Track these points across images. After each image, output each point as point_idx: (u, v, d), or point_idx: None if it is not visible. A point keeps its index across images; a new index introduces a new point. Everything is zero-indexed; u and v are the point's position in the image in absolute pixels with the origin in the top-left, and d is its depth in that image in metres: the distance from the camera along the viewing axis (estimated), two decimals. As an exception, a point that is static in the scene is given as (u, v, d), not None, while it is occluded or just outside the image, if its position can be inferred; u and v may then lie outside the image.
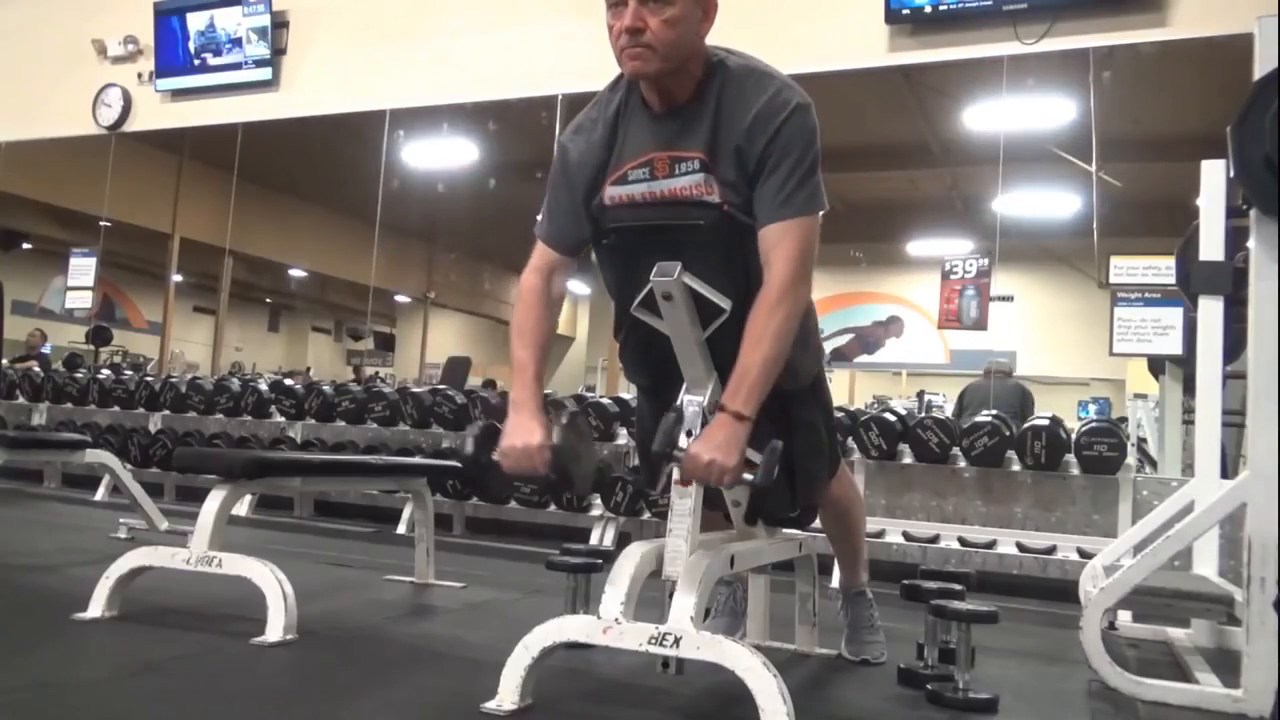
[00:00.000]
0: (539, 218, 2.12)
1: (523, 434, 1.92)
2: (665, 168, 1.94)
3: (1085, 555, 3.94)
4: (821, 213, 1.94)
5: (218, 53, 6.52)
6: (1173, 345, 4.42)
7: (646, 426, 2.21)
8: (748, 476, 1.80)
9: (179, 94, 6.77)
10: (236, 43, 6.44)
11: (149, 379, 6.81)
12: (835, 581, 2.94)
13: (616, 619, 1.77)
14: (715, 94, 1.94)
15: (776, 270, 1.87)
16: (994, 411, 4.65)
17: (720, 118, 1.92)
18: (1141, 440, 6.05)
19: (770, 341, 1.84)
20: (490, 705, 1.79)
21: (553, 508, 5.04)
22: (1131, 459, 4.28)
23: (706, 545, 1.91)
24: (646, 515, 4.77)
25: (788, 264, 1.87)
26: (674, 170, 1.94)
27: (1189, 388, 3.94)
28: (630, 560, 1.86)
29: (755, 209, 1.91)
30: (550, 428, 1.92)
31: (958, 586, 2.47)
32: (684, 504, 1.87)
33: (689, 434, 1.86)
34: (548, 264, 2.10)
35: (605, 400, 5.25)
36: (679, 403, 1.91)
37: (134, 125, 6.93)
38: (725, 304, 1.86)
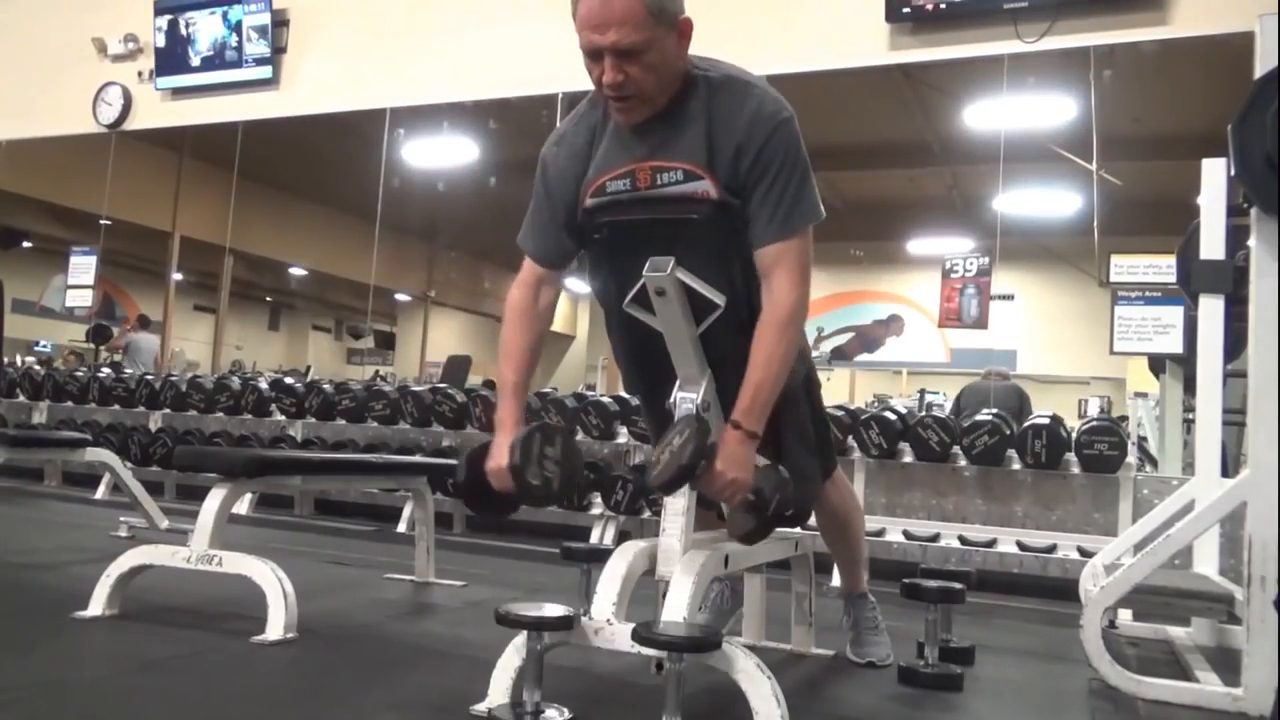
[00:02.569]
0: (522, 231, 2.11)
1: (496, 457, 1.93)
2: (647, 178, 1.92)
3: (1085, 554, 3.94)
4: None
5: (218, 51, 6.52)
6: (1173, 344, 4.42)
7: (652, 435, 2.21)
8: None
9: (179, 92, 6.77)
10: (236, 42, 6.44)
11: (149, 377, 6.81)
12: (835, 581, 2.95)
13: (609, 619, 1.77)
14: (704, 104, 1.91)
15: (780, 290, 1.88)
16: (994, 410, 4.64)
17: (714, 126, 1.90)
18: (1142, 439, 6.05)
19: (780, 361, 1.88)
20: (479, 708, 1.79)
21: (553, 506, 5.03)
22: (1132, 458, 4.28)
23: (700, 544, 1.91)
24: (646, 514, 4.77)
25: (791, 284, 1.89)
26: (655, 181, 1.92)
27: (1189, 386, 3.94)
28: (622, 560, 1.86)
29: (751, 228, 1.91)
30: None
31: (958, 585, 2.48)
32: (677, 503, 1.87)
33: (682, 433, 1.86)
34: (534, 278, 2.10)
35: (605, 399, 5.25)
36: (672, 399, 1.91)
37: (134, 123, 6.93)
38: (719, 299, 1.86)
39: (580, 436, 5.14)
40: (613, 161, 1.96)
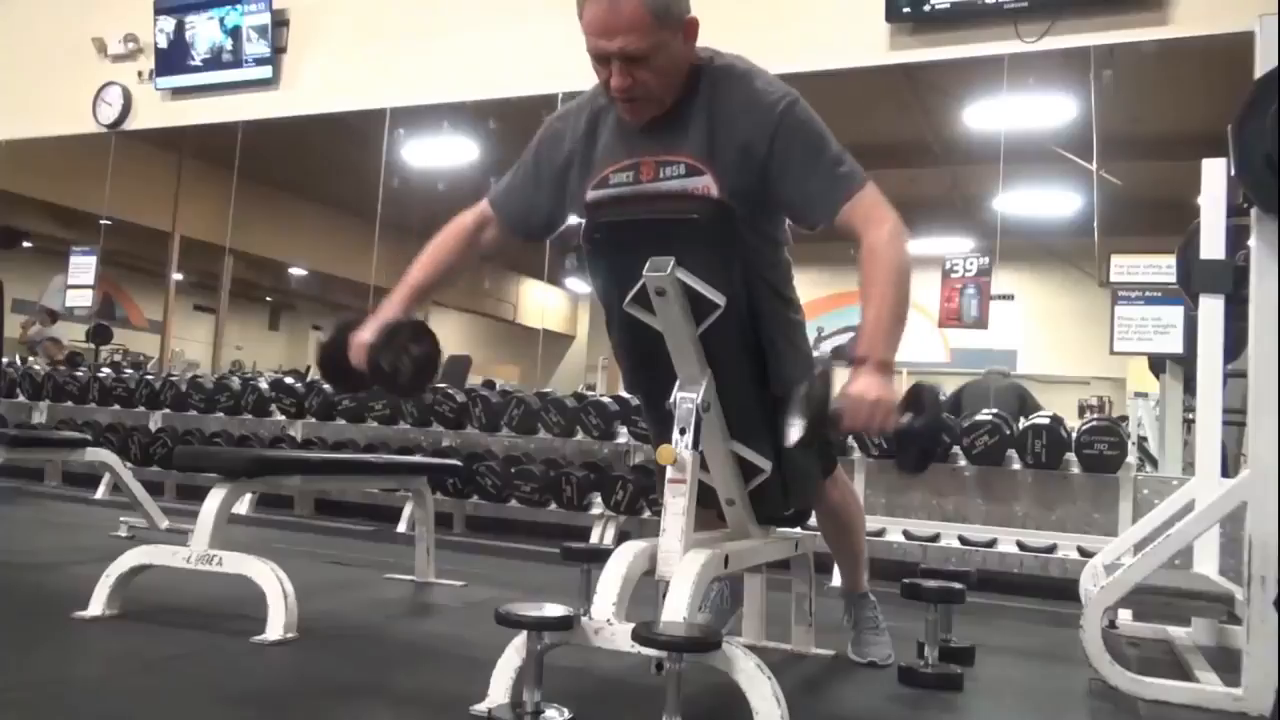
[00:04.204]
0: (495, 184, 2.15)
1: (363, 331, 2.01)
2: (651, 171, 1.94)
3: (1086, 554, 3.94)
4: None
5: (217, 52, 6.52)
6: (1173, 344, 4.42)
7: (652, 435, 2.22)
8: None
9: (179, 92, 6.78)
10: (235, 42, 6.44)
11: (149, 377, 6.81)
12: (835, 581, 2.94)
13: (609, 619, 1.77)
14: (705, 97, 1.92)
15: (870, 233, 1.86)
16: (994, 410, 4.64)
17: (715, 122, 1.91)
18: (1142, 439, 6.05)
19: (887, 287, 1.83)
20: (479, 708, 1.79)
21: (553, 506, 5.04)
22: (1132, 458, 4.28)
23: (700, 544, 1.91)
24: (646, 514, 4.77)
25: (875, 224, 1.87)
26: (659, 174, 1.93)
27: (1189, 386, 3.94)
28: (622, 560, 1.86)
29: (808, 209, 1.91)
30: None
31: (958, 585, 2.48)
32: (677, 503, 1.87)
33: (682, 431, 1.86)
34: (484, 218, 2.16)
35: (605, 399, 5.25)
36: (672, 400, 1.91)
37: (134, 123, 6.94)
38: (720, 299, 1.86)
39: (580, 436, 5.14)
40: (617, 154, 1.98)
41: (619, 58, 1.82)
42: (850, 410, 1.75)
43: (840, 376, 1.82)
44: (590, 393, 6.22)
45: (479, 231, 2.17)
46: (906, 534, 4.43)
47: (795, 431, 1.76)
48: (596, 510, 4.93)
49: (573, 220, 2.14)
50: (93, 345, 7.77)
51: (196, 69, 6.60)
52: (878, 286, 1.84)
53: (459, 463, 4.53)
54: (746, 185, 1.91)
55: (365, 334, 2.01)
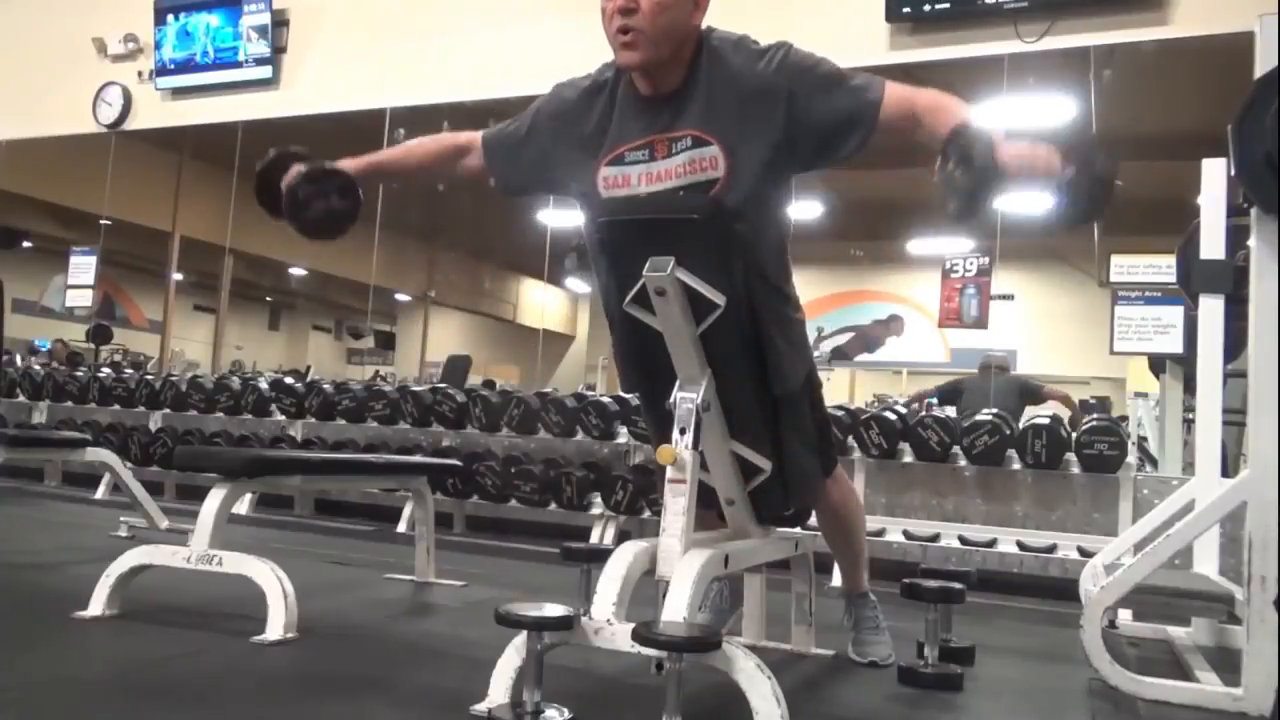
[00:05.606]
0: (494, 126, 2.23)
1: (308, 166, 2.19)
2: (664, 149, 1.99)
3: (1086, 554, 3.94)
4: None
5: (217, 51, 6.52)
6: (1173, 344, 4.41)
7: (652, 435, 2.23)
8: None
9: (179, 92, 6.77)
10: (236, 42, 6.44)
11: (149, 377, 6.81)
12: (835, 581, 2.94)
13: (609, 619, 1.77)
14: (705, 69, 1.99)
15: (922, 98, 1.96)
16: (994, 410, 4.64)
17: (715, 89, 1.97)
18: (1142, 439, 6.05)
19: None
20: (479, 708, 1.79)
21: (553, 506, 5.04)
22: (1132, 457, 4.28)
23: (700, 544, 1.91)
24: (646, 514, 4.77)
25: (919, 93, 1.96)
26: (671, 150, 1.99)
27: (1189, 386, 3.94)
28: (622, 560, 1.86)
29: (848, 129, 1.96)
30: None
31: (958, 585, 2.48)
32: (678, 503, 1.87)
33: (682, 431, 1.86)
34: (471, 145, 2.23)
35: (605, 399, 5.25)
36: (672, 400, 1.91)
37: (134, 123, 6.93)
38: (720, 299, 1.86)
39: (580, 436, 5.14)
40: (630, 133, 2.02)
41: None
42: (1015, 157, 1.75)
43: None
44: (590, 393, 6.22)
45: (461, 155, 2.25)
46: (906, 534, 4.43)
47: (958, 197, 1.73)
48: (596, 510, 4.93)
49: (566, 205, 2.20)
50: (93, 345, 7.78)
51: (196, 69, 6.60)
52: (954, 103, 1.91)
53: (459, 463, 4.53)
54: (760, 145, 1.95)
55: (302, 167, 2.14)
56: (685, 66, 1.99)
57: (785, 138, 1.97)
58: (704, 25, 2.04)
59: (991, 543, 4.33)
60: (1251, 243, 2.32)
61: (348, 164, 2.23)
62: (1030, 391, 6.34)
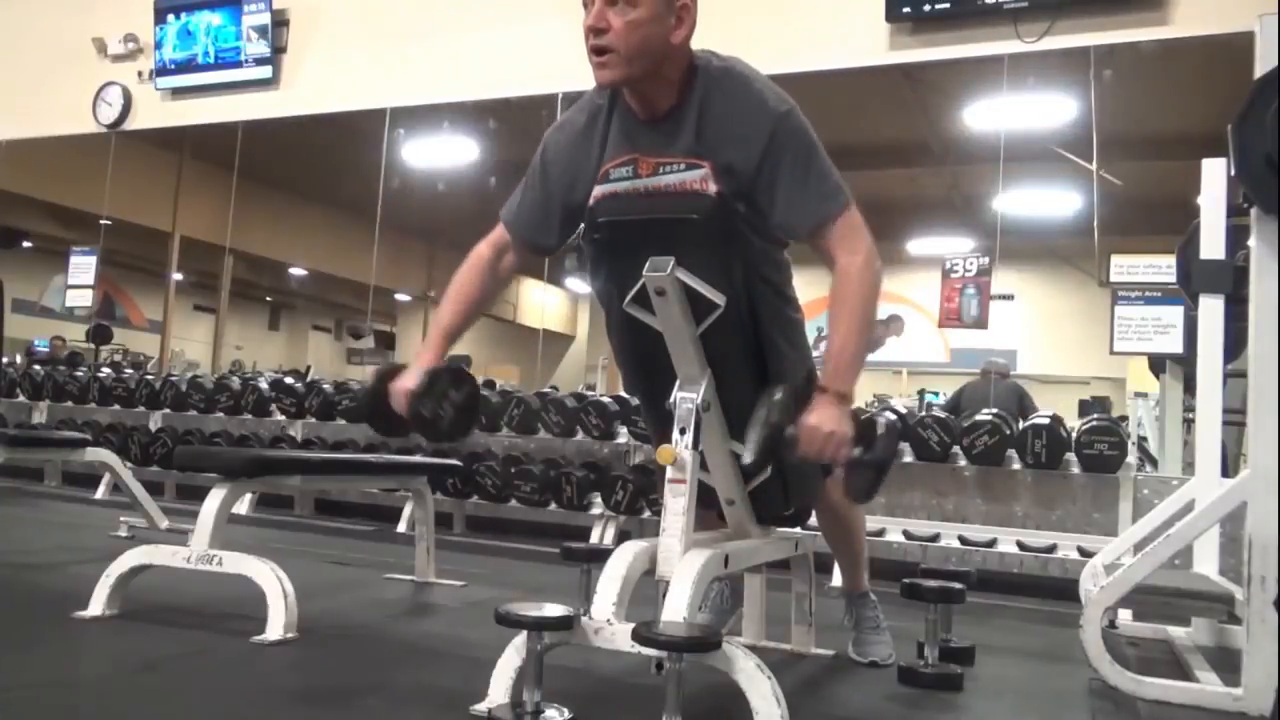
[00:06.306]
0: (507, 203, 2.15)
1: (405, 379, 2.02)
2: (650, 168, 1.93)
3: (1086, 554, 3.94)
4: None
5: (218, 51, 6.52)
6: (1173, 344, 4.41)
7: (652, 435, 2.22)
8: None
9: (179, 92, 6.78)
10: (236, 42, 6.44)
11: (149, 377, 6.81)
12: (835, 581, 2.94)
13: (609, 619, 1.77)
14: (701, 97, 1.91)
15: (844, 258, 1.89)
16: (994, 409, 4.64)
17: (704, 122, 1.90)
18: (1142, 439, 6.04)
19: (852, 319, 1.87)
20: (479, 708, 1.79)
21: (553, 506, 5.04)
22: (1132, 458, 4.28)
23: (700, 544, 1.91)
24: (646, 514, 4.77)
25: (848, 251, 1.90)
26: (658, 171, 1.93)
27: (1189, 386, 3.94)
28: (622, 560, 1.86)
29: (788, 219, 1.91)
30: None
31: (958, 585, 2.48)
32: (678, 503, 1.87)
33: (682, 431, 1.86)
34: (501, 243, 2.15)
35: (605, 399, 5.25)
36: (671, 400, 1.91)
37: (134, 123, 6.94)
38: (719, 299, 1.86)
39: (580, 436, 5.14)
40: (617, 149, 1.97)
41: None
42: (806, 439, 1.78)
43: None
44: (590, 393, 6.22)
45: (498, 260, 2.15)
46: (906, 534, 4.43)
47: (748, 453, 1.80)
48: (596, 510, 4.93)
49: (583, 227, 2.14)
50: (93, 345, 7.77)
51: (196, 69, 6.60)
52: (845, 312, 1.88)
53: (459, 463, 4.52)
54: (736, 186, 1.90)
55: (407, 381, 2.00)
56: (676, 89, 1.92)
57: (747, 191, 1.91)
58: (701, 47, 1.97)
59: (991, 543, 4.33)
60: (1251, 243, 2.32)
61: (432, 356, 2.07)
62: (1026, 406, 6.33)
